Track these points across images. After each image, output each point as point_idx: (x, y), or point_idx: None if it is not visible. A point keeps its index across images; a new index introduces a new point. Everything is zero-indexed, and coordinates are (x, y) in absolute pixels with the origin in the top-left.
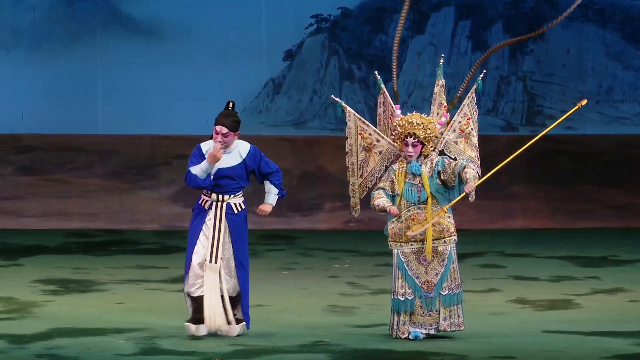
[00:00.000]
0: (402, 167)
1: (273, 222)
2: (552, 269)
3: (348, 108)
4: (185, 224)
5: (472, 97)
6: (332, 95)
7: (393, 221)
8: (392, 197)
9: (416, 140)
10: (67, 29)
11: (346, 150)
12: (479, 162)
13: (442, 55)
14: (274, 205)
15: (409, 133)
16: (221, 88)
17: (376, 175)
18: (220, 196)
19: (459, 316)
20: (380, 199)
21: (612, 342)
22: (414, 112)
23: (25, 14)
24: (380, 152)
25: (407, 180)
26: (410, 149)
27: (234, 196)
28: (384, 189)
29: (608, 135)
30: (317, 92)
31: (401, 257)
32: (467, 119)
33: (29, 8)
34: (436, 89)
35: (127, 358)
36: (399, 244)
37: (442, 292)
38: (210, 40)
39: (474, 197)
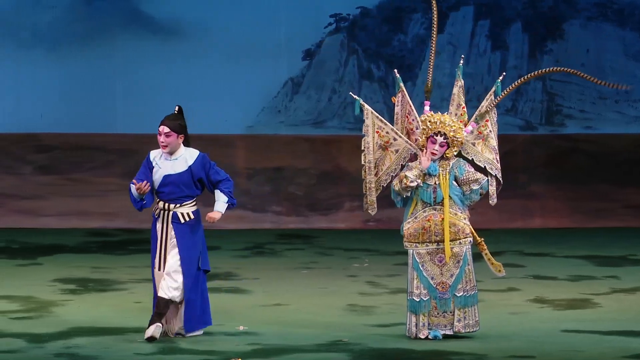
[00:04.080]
0: (423, 169)
1: (292, 221)
2: (571, 269)
3: (366, 106)
4: (205, 223)
5: (492, 99)
6: (351, 92)
7: (409, 221)
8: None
9: (444, 140)
10: (86, 28)
11: (362, 148)
12: (498, 164)
13: (462, 56)
14: (223, 212)
15: (439, 131)
16: (240, 87)
17: (392, 174)
18: (166, 204)
19: (474, 317)
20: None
21: (630, 341)
22: (444, 113)
23: (44, 13)
24: (397, 151)
25: (423, 180)
26: (436, 147)
27: (181, 205)
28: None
29: (627, 134)
30: (336, 91)
31: (416, 257)
32: (485, 120)
33: (48, 7)
34: (455, 90)
35: (146, 357)
36: (414, 244)
37: (456, 294)
38: (229, 40)
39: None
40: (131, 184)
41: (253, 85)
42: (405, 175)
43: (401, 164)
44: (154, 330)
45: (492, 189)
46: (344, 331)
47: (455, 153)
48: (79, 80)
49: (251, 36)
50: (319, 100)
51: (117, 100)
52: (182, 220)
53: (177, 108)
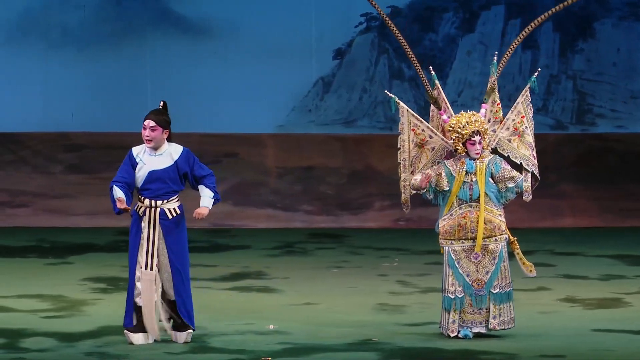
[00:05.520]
0: (463, 169)
1: (322, 220)
2: (601, 268)
3: (402, 104)
4: (236, 223)
5: (527, 96)
6: (386, 91)
7: (444, 218)
8: (434, 190)
9: (481, 137)
10: (116, 28)
11: (398, 146)
12: (535, 160)
13: (496, 52)
14: (210, 208)
15: (473, 131)
16: (270, 86)
17: None
18: (152, 202)
19: (509, 314)
20: (415, 179)
21: None
22: (461, 112)
23: (74, 12)
24: (433, 149)
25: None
26: (478, 146)
27: (168, 201)
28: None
29: None
30: (366, 90)
31: (452, 254)
32: (521, 117)
33: (78, 7)
34: (489, 87)
35: (177, 356)
36: (450, 241)
37: (492, 291)
38: (259, 39)
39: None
40: (113, 184)
41: (283, 85)
42: (414, 177)
43: (437, 161)
44: (186, 337)
45: (527, 185)
46: (374, 330)
47: (490, 148)
48: (109, 80)
49: (282, 35)
50: (350, 99)
51: (147, 99)
52: (170, 216)
53: (161, 103)
